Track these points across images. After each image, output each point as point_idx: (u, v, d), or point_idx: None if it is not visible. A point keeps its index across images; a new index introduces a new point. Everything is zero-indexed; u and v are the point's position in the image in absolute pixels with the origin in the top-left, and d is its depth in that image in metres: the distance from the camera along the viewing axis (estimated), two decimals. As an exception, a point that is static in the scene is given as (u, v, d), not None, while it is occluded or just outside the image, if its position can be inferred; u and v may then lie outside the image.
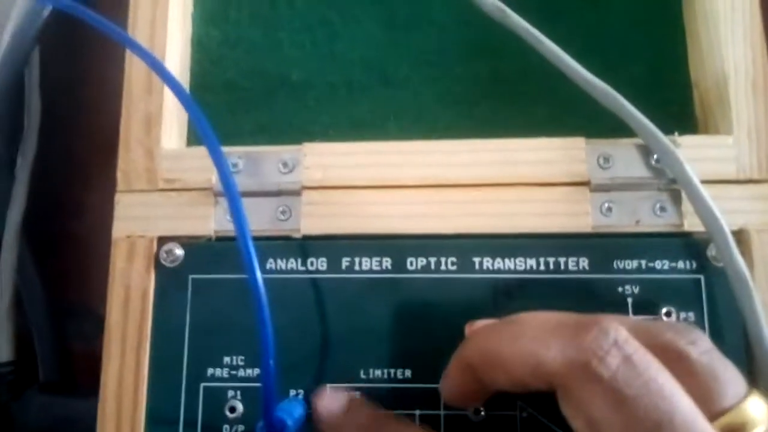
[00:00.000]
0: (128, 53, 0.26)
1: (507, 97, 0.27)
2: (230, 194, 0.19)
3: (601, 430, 0.16)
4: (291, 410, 0.21)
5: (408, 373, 0.23)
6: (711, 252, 0.23)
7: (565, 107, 0.26)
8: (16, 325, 0.29)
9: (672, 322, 0.18)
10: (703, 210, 0.23)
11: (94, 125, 0.32)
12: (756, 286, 0.22)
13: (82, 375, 0.30)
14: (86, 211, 0.32)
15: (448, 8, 0.28)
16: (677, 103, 0.27)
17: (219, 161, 0.20)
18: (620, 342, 0.17)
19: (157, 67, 0.21)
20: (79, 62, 0.33)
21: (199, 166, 0.25)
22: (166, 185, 0.25)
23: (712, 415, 0.16)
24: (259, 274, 0.19)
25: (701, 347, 0.18)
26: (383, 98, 0.28)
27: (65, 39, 0.32)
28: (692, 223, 0.24)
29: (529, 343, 0.18)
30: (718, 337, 0.23)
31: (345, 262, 0.24)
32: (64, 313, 0.30)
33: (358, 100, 0.28)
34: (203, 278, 0.24)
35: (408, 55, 0.28)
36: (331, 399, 0.22)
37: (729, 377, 0.17)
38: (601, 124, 0.25)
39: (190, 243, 0.25)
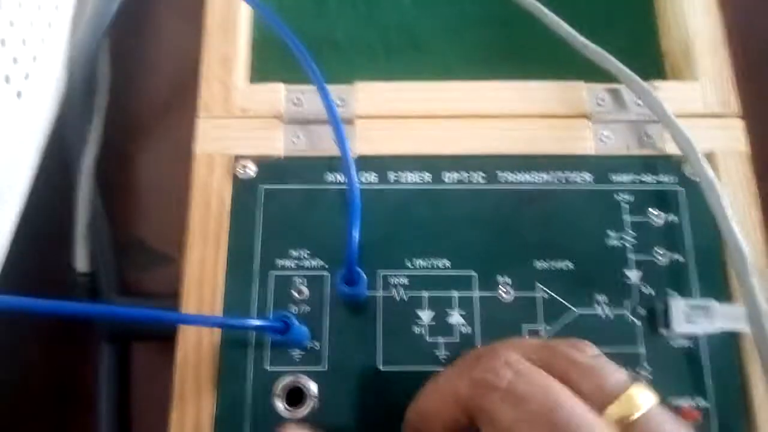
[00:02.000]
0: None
1: (520, 58, 0.33)
2: (333, 117, 0.25)
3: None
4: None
5: (447, 262, 0.28)
6: (687, 170, 0.29)
7: (568, 65, 0.32)
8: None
9: (567, 339, 0.22)
10: (678, 136, 0.29)
11: (151, 85, 0.37)
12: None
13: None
14: (138, 164, 0.36)
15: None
16: (654, 68, 0.33)
17: (324, 93, 0.26)
18: (510, 361, 0.20)
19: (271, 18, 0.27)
20: (143, 34, 0.38)
21: (267, 98, 0.30)
22: (240, 113, 0.30)
23: (602, 405, 0.19)
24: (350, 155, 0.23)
25: (589, 353, 0.21)
26: (414, 59, 0.33)
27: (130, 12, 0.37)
28: (671, 148, 0.29)
29: (445, 385, 0.22)
30: (697, 235, 0.28)
31: (392, 176, 0.29)
32: (121, 246, 0.34)
33: (393, 60, 0.33)
34: (273, 188, 0.29)
35: (434, 23, 0.34)
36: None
37: (612, 371, 0.20)
38: (597, 76, 0.31)
39: (261, 161, 0.29)
